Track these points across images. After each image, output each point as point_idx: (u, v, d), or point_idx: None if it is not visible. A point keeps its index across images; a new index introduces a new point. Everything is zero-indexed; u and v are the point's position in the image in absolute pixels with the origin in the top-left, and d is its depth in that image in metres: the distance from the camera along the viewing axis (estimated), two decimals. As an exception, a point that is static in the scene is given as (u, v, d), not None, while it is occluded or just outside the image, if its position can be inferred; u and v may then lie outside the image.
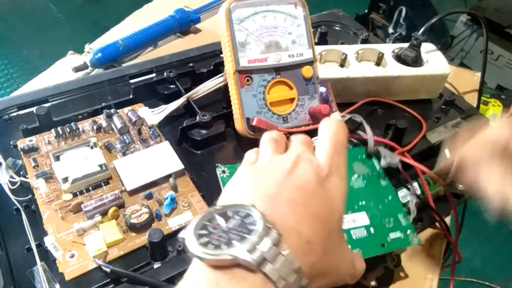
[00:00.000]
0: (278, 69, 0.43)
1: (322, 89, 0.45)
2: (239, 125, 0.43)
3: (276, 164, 0.29)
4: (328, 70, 0.52)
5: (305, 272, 0.25)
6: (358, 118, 0.44)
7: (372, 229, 0.38)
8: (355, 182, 0.41)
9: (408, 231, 0.39)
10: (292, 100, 0.44)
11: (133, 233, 0.38)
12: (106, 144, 0.45)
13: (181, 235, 0.26)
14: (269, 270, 0.24)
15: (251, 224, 0.25)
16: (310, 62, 0.44)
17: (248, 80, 0.42)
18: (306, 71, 0.44)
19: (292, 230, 0.26)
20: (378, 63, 0.55)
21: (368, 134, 0.43)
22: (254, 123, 0.42)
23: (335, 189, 0.28)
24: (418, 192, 0.45)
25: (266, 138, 0.32)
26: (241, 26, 0.42)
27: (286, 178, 0.28)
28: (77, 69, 0.61)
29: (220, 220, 0.26)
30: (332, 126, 0.31)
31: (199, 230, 0.25)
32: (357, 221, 0.38)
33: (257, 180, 0.29)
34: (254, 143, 0.40)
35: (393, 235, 0.38)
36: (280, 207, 0.27)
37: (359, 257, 0.32)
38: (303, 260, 0.25)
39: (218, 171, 0.39)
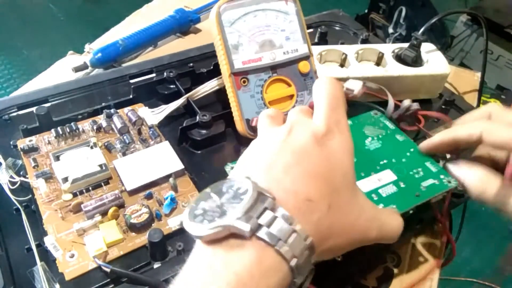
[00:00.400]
0: (274, 67, 0.43)
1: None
2: (240, 126, 0.43)
3: (271, 135, 0.29)
4: (328, 70, 0.52)
5: (309, 230, 0.24)
6: (374, 85, 0.44)
7: (401, 183, 0.37)
8: (370, 144, 0.40)
9: (442, 176, 0.37)
10: (291, 97, 0.44)
11: (133, 233, 0.38)
12: (106, 144, 0.45)
13: (181, 218, 0.26)
14: (265, 234, 0.23)
15: (243, 194, 0.25)
16: (306, 57, 0.44)
17: (244, 82, 0.42)
18: (303, 66, 0.43)
19: (289, 191, 0.25)
20: (378, 63, 0.55)
21: (389, 97, 0.43)
22: (254, 123, 0.42)
23: (337, 144, 0.28)
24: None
25: (262, 116, 0.32)
26: (233, 28, 0.41)
27: (281, 146, 0.28)
28: (77, 69, 0.61)
29: (214, 197, 0.26)
30: (323, 84, 0.31)
31: (195, 210, 0.25)
32: (383, 180, 0.37)
33: (254, 154, 0.29)
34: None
35: (426, 183, 0.37)
36: (274, 173, 0.26)
37: (391, 213, 0.31)
38: (306, 218, 0.25)
39: (227, 169, 0.39)
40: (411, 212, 0.36)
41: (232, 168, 0.39)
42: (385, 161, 0.38)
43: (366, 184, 0.37)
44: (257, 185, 0.25)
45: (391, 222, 0.30)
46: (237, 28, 0.41)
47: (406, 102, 0.45)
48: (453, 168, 0.37)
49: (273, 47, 0.42)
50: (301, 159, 0.27)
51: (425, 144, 0.38)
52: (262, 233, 0.23)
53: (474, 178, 0.35)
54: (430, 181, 0.37)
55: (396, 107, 0.46)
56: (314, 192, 0.26)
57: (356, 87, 0.44)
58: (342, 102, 0.30)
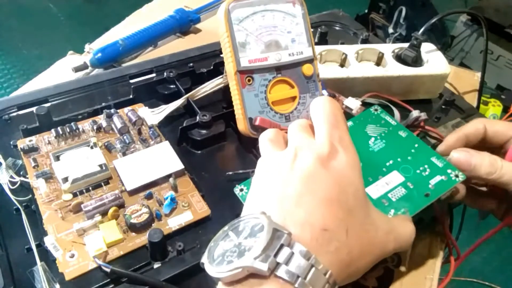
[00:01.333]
0: (278, 68, 0.43)
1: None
2: (242, 125, 0.43)
3: (277, 164, 0.29)
4: (328, 70, 0.52)
5: (328, 261, 0.24)
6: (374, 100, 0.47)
7: (410, 184, 0.36)
8: (374, 145, 0.39)
9: (449, 171, 0.37)
10: (293, 98, 0.44)
11: (133, 233, 0.38)
12: (106, 144, 0.45)
13: (202, 259, 0.26)
14: (284, 272, 0.23)
15: (259, 231, 0.24)
16: (310, 60, 0.44)
17: (249, 80, 0.42)
18: (307, 69, 0.44)
19: (304, 223, 0.25)
20: (378, 63, 0.55)
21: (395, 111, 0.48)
22: (257, 122, 0.42)
23: (343, 163, 0.28)
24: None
25: (262, 141, 0.32)
26: (241, 26, 0.42)
27: (288, 174, 0.27)
28: (77, 69, 0.61)
29: (232, 236, 0.26)
30: (321, 103, 0.31)
31: (214, 251, 0.25)
32: (391, 183, 0.37)
33: (264, 186, 0.28)
34: (254, 142, 0.40)
35: (434, 181, 0.36)
36: (287, 206, 0.26)
37: (403, 220, 0.31)
38: (324, 249, 0.25)
39: (236, 191, 0.39)
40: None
41: (241, 190, 0.39)
42: (391, 161, 0.38)
43: (375, 189, 0.37)
44: (271, 221, 0.25)
45: (405, 230, 0.30)
46: (245, 26, 0.42)
47: (415, 114, 0.47)
48: (462, 153, 0.38)
49: (279, 48, 0.43)
50: (310, 187, 0.26)
51: (443, 147, 0.41)
52: (280, 272, 0.23)
53: (484, 159, 0.36)
54: (438, 178, 0.37)
55: (403, 115, 0.48)
56: (329, 220, 0.25)
57: (354, 105, 0.46)
58: (341, 119, 0.30)
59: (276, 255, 0.23)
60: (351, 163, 0.28)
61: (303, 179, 0.27)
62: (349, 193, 0.27)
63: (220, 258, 0.25)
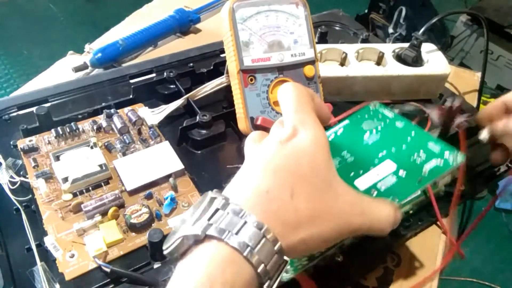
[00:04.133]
0: (281, 69, 0.43)
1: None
2: (243, 124, 0.43)
3: (248, 156, 0.30)
4: (328, 69, 0.52)
5: (267, 218, 0.24)
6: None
7: (401, 172, 0.35)
8: (369, 138, 0.38)
9: (446, 153, 0.35)
10: None
11: (133, 233, 0.38)
12: (106, 144, 0.45)
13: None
14: (214, 230, 0.23)
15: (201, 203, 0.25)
16: (312, 62, 0.44)
17: (251, 80, 0.42)
18: (308, 70, 0.44)
19: (246, 188, 0.26)
20: (378, 63, 0.55)
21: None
22: (258, 122, 0.42)
23: (303, 140, 0.28)
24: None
25: (247, 141, 0.32)
26: (245, 25, 0.42)
27: (252, 162, 0.28)
28: (77, 69, 0.61)
29: (186, 215, 0.26)
30: (285, 90, 0.31)
31: (171, 236, 0.26)
32: (381, 173, 0.35)
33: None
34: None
35: (429, 166, 0.35)
36: (239, 180, 0.27)
37: (380, 201, 0.30)
38: (263, 207, 0.25)
39: None
40: (416, 200, 0.34)
41: None
42: (384, 152, 0.37)
43: (365, 180, 0.36)
44: (212, 193, 0.25)
45: (379, 209, 0.29)
46: (248, 26, 0.42)
47: (448, 103, 0.47)
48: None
49: (281, 49, 0.43)
50: (265, 162, 0.27)
51: (482, 113, 0.42)
52: (211, 230, 0.23)
53: None
54: (433, 163, 0.35)
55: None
56: (273, 184, 0.26)
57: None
58: (305, 102, 0.30)
59: (210, 219, 0.24)
60: (311, 138, 0.28)
61: (260, 160, 0.27)
62: (303, 162, 0.27)
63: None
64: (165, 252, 0.25)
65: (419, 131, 0.38)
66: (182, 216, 0.26)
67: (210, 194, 0.26)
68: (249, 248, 0.23)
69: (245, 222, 0.23)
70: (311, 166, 0.27)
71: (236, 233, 0.23)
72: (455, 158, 0.35)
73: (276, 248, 0.24)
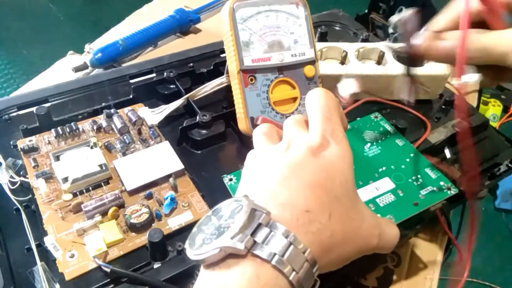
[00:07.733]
0: (281, 69, 0.43)
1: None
2: (243, 124, 0.43)
3: (270, 155, 0.29)
4: (327, 67, 0.52)
5: (308, 241, 0.24)
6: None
7: (400, 192, 0.36)
8: (370, 150, 0.39)
9: (441, 183, 0.36)
10: (294, 99, 0.44)
11: (133, 233, 0.38)
12: (106, 144, 0.45)
13: (184, 245, 0.26)
14: (260, 250, 0.23)
15: (238, 213, 0.24)
16: (312, 62, 0.44)
17: (252, 80, 0.42)
18: (308, 70, 0.44)
19: (285, 204, 0.25)
20: (379, 62, 0.55)
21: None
22: (259, 122, 0.42)
23: (334, 154, 0.28)
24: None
25: (256, 134, 0.32)
26: (245, 25, 0.42)
27: (277, 162, 0.27)
28: (77, 69, 0.61)
29: (214, 220, 0.26)
30: (315, 95, 0.30)
31: (196, 236, 0.25)
32: (381, 188, 0.37)
33: (252, 173, 0.29)
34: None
35: (425, 191, 0.36)
36: (270, 187, 0.26)
37: (389, 222, 0.30)
38: (305, 229, 0.24)
39: (225, 180, 0.39)
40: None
41: (230, 179, 0.39)
42: (384, 168, 0.38)
43: (364, 193, 0.36)
44: (252, 202, 0.25)
45: (390, 231, 0.29)
46: (249, 26, 0.42)
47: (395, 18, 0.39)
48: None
49: (281, 49, 0.43)
50: (297, 172, 0.26)
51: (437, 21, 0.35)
52: (257, 250, 0.23)
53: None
54: (430, 189, 0.36)
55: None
56: (312, 203, 0.25)
57: (349, 88, 0.43)
58: (335, 111, 0.30)
59: (253, 234, 0.23)
60: (342, 154, 0.28)
61: (290, 165, 0.27)
62: (337, 181, 0.27)
63: (201, 242, 0.24)
64: (194, 258, 0.24)
65: (418, 154, 0.39)
66: (212, 221, 0.25)
67: (247, 203, 0.25)
68: (294, 273, 0.23)
69: (290, 244, 0.23)
70: (343, 186, 0.27)
71: (282, 256, 0.23)
72: (449, 188, 0.37)
73: (314, 270, 0.24)
